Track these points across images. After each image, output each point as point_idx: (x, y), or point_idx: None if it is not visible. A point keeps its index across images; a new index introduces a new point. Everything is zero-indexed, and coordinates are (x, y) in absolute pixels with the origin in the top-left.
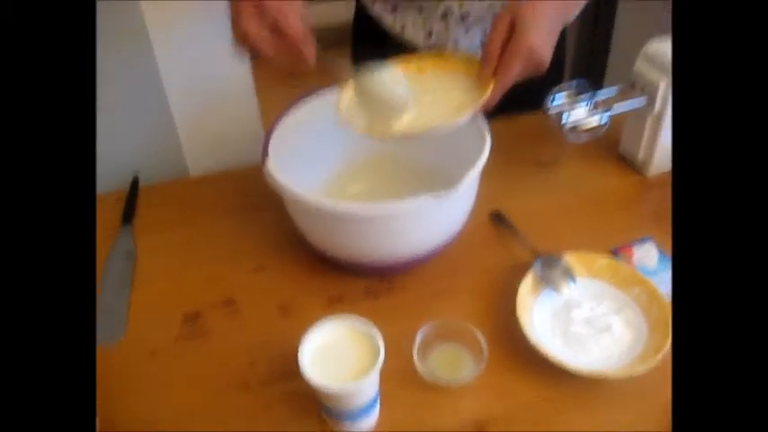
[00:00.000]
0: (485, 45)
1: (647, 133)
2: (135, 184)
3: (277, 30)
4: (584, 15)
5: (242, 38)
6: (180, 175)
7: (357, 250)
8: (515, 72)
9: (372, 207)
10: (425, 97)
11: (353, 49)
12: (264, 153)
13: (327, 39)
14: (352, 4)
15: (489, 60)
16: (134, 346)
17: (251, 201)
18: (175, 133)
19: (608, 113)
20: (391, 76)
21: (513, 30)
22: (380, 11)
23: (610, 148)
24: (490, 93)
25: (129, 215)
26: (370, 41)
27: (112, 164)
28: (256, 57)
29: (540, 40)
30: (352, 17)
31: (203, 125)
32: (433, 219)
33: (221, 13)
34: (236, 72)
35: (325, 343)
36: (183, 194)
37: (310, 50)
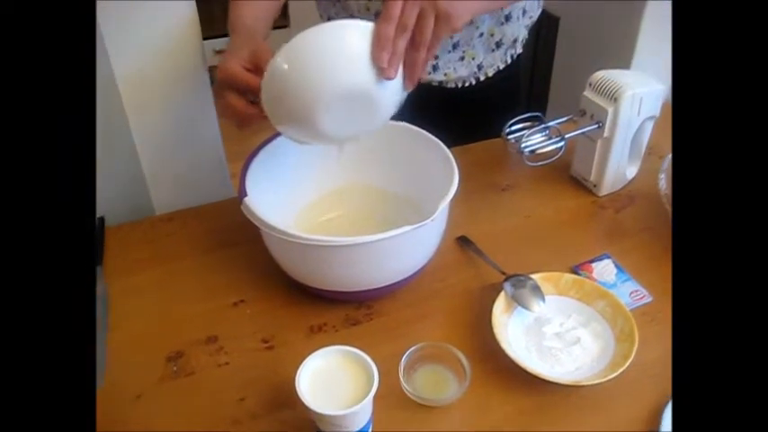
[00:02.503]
0: None
1: (597, 156)
2: (101, 225)
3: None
4: (526, 53)
5: (230, 114)
6: (145, 215)
7: (337, 280)
8: (395, 5)
9: (354, 239)
10: None
11: None
12: (242, 191)
13: None
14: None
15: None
16: (116, 391)
17: (222, 236)
18: (141, 173)
19: (563, 138)
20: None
21: None
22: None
23: (563, 171)
24: (371, 27)
25: (98, 258)
26: None
27: None
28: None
29: None
30: None
31: (168, 163)
32: (409, 247)
33: (188, 55)
34: (200, 110)
35: (320, 370)
36: (152, 234)
37: None
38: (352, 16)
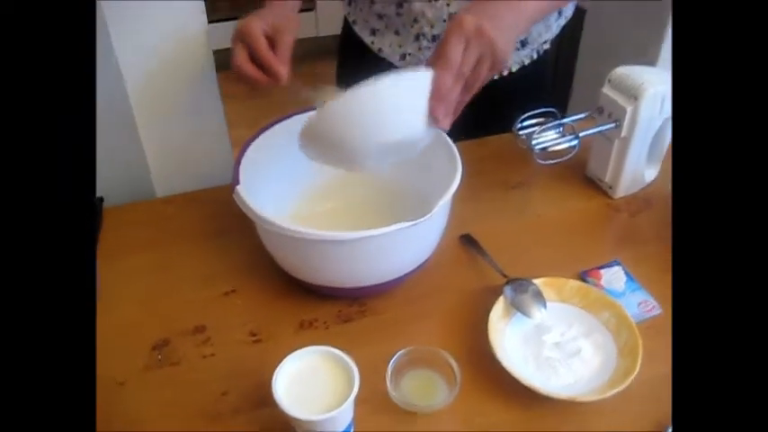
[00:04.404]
0: None
1: (614, 156)
2: (99, 205)
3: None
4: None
5: (237, 72)
6: (146, 197)
7: (329, 275)
8: (455, 51)
9: (346, 234)
10: None
11: (339, 64)
12: (235, 178)
13: (315, 49)
14: (340, 18)
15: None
16: (100, 377)
17: (220, 223)
18: (142, 153)
19: (577, 136)
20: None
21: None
22: (360, 32)
23: (577, 170)
24: (430, 78)
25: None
26: (354, 58)
27: None
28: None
29: (482, 18)
30: (340, 33)
31: (170, 144)
32: (406, 244)
33: (191, 32)
34: (204, 89)
35: (299, 372)
36: (150, 217)
37: (283, 71)
38: (372, 1)
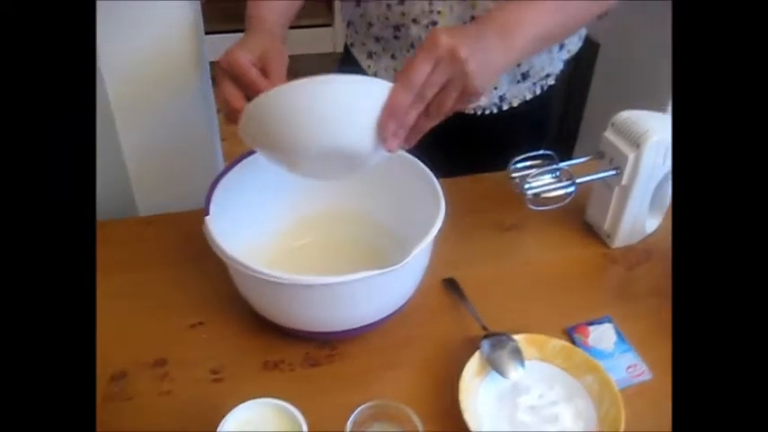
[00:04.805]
0: None
1: (613, 204)
2: None
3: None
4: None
5: (226, 109)
6: (128, 215)
7: (299, 319)
8: (420, 69)
9: (315, 278)
10: None
11: None
12: (206, 208)
13: (330, 65)
14: (335, 34)
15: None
16: None
17: (195, 248)
18: (126, 171)
19: (574, 183)
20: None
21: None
22: (358, 55)
23: (575, 215)
24: (386, 90)
25: None
26: None
27: None
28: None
29: (460, 40)
30: (341, 57)
31: (154, 159)
32: (380, 291)
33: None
34: (193, 113)
35: (247, 423)
36: (126, 236)
37: None
38: (370, 24)
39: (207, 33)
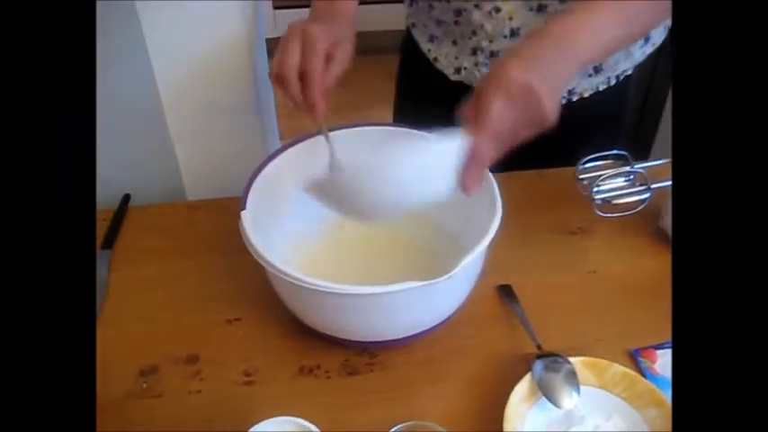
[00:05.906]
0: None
1: None
2: (125, 203)
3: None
4: (640, 72)
5: (276, 68)
6: (176, 199)
7: (334, 326)
8: (497, 111)
9: (355, 288)
10: None
11: (399, 67)
12: (243, 202)
13: (381, 42)
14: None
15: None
16: None
17: (240, 237)
18: (173, 151)
19: (649, 188)
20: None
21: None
22: (419, 36)
23: (649, 219)
24: (461, 146)
25: (110, 240)
26: (411, 64)
27: (103, 179)
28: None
29: (532, 73)
30: (403, 35)
31: (203, 143)
32: (420, 302)
33: (225, 28)
34: (239, 89)
35: None
36: (173, 222)
37: (321, 106)
38: (431, 6)
39: (275, 9)
